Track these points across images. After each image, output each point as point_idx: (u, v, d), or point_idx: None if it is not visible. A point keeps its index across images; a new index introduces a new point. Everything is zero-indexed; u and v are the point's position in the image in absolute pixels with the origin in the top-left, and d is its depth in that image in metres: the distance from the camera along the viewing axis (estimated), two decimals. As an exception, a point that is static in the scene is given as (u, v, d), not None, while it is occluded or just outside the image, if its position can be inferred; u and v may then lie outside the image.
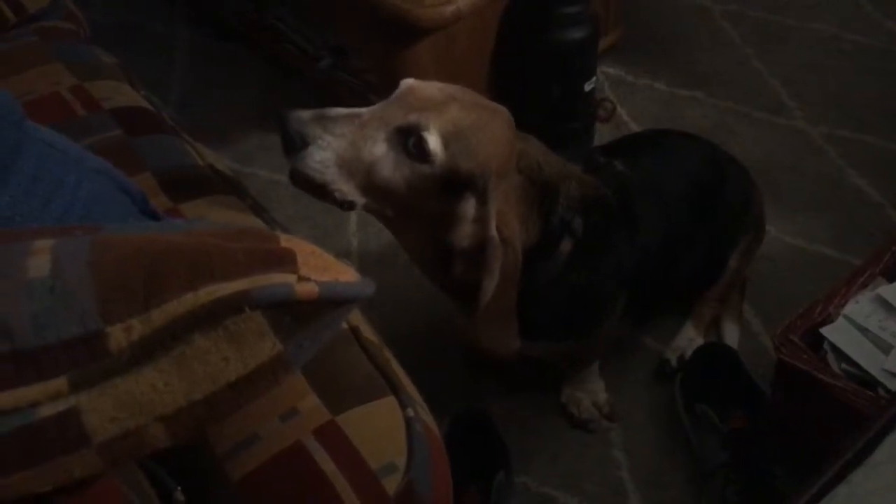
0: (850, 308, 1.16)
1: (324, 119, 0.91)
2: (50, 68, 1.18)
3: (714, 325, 1.43)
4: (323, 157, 0.90)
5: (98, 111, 1.10)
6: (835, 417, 1.05)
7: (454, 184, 0.94)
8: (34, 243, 0.49)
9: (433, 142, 0.92)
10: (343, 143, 0.91)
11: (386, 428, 0.72)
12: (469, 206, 0.96)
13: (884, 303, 1.15)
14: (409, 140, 0.92)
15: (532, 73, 1.67)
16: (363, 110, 0.94)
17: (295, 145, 0.90)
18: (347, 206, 0.96)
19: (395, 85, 1.62)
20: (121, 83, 1.20)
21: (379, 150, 0.92)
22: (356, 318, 0.83)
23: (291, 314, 0.49)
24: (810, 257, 1.52)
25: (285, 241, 0.53)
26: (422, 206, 0.96)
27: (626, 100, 1.88)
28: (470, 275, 0.98)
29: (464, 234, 0.97)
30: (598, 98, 1.82)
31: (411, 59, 1.56)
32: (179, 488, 0.65)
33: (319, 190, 0.93)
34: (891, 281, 1.19)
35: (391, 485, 0.68)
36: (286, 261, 0.51)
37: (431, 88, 0.96)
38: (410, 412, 0.73)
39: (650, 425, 1.33)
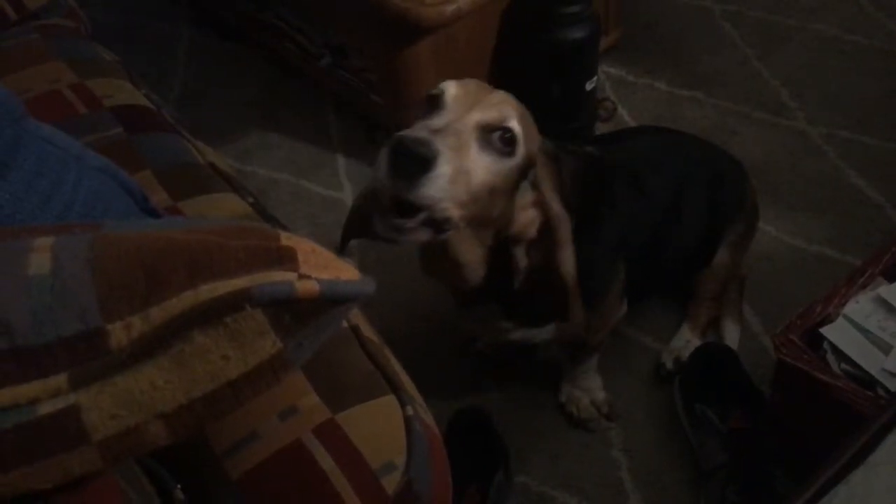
0: (850, 308, 1.16)
1: (436, 133, 0.83)
2: (51, 66, 1.18)
3: (714, 326, 1.43)
4: (446, 172, 0.82)
5: (99, 109, 1.10)
6: (834, 417, 1.05)
7: (522, 173, 0.93)
8: (34, 241, 0.49)
9: (518, 130, 0.90)
10: (453, 154, 0.83)
11: (385, 427, 0.72)
12: (527, 194, 0.95)
13: (884, 303, 1.15)
14: (492, 136, 0.88)
15: (533, 73, 1.67)
16: (443, 120, 0.87)
17: (421, 169, 0.80)
18: (447, 226, 0.86)
19: (396, 84, 1.63)
20: (122, 81, 1.20)
21: (473, 153, 0.87)
22: (356, 316, 0.83)
23: (292, 312, 0.49)
24: (810, 257, 1.52)
25: (286, 238, 0.53)
26: (494, 207, 0.92)
27: (626, 99, 1.88)
28: (536, 263, 0.98)
29: (528, 222, 0.96)
30: (599, 98, 1.82)
31: (412, 58, 1.56)
32: (179, 486, 0.65)
33: (421, 214, 0.83)
34: (891, 281, 1.19)
35: (390, 484, 0.68)
36: (287, 258, 0.50)
37: (472, 84, 0.93)
38: (410, 411, 0.73)
39: (650, 425, 1.33)
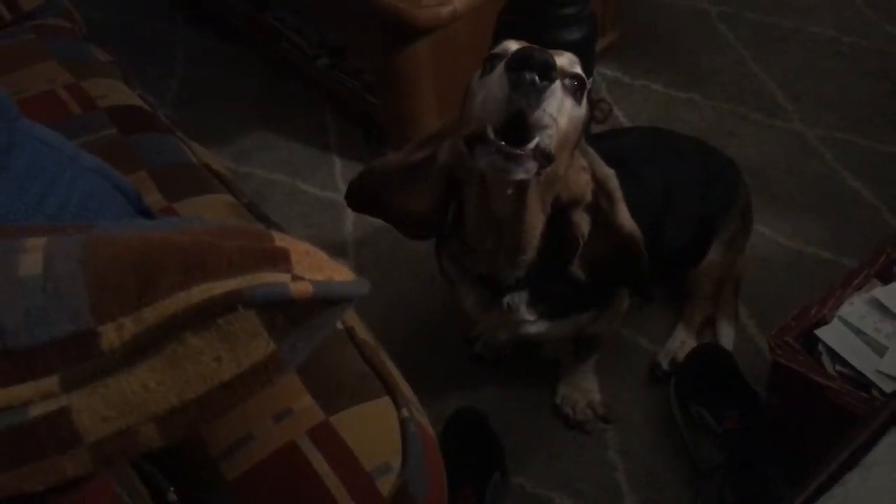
0: (845, 310, 1.16)
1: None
2: (45, 66, 1.17)
3: (710, 327, 1.43)
4: (559, 87, 0.80)
5: (93, 109, 1.10)
6: (830, 419, 1.05)
7: (584, 129, 0.92)
8: (27, 241, 0.49)
9: (586, 79, 0.89)
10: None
11: (380, 428, 0.72)
12: (580, 158, 0.94)
13: (878, 304, 1.15)
14: (565, 81, 0.86)
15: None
16: None
17: (545, 79, 0.77)
18: (549, 160, 0.84)
19: (394, 85, 1.63)
20: (116, 81, 1.19)
21: (560, 90, 0.84)
22: (351, 317, 0.82)
23: (285, 314, 0.49)
24: (805, 259, 1.53)
25: (279, 239, 0.52)
26: (564, 160, 0.89)
27: (622, 101, 1.88)
28: (590, 222, 0.98)
29: (585, 184, 0.95)
30: (595, 99, 1.82)
31: (409, 59, 1.56)
32: (172, 488, 0.65)
33: (535, 139, 0.81)
34: (885, 283, 1.19)
35: (385, 485, 0.68)
36: (280, 260, 0.50)
37: (528, 43, 0.91)
38: (405, 412, 0.73)
39: (646, 426, 1.33)
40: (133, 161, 1.01)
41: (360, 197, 1.07)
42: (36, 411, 0.46)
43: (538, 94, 0.79)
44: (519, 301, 1.08)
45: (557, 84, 0.80)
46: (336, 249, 1.61)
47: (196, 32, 2.17)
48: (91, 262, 0.47)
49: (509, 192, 0.90)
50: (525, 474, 1.28)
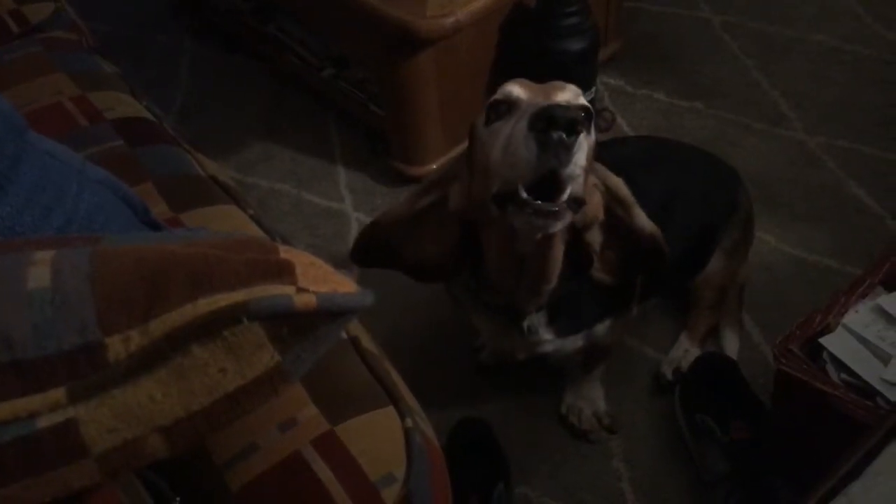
0: (850, 318, 1.16)
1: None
2: (52, 78, 1.18)
3: (713, 336, 1.43)
4: (584, 136, 0.80)
5: (100, 121, 1.11)
6: (835, 427, 1.05)
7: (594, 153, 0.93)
8: (34, 254, 0.50)
9: (590, 107, 0.90)
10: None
11: (385, 438, 0.72)
12: (589, 178, 0.95)
13: (883, 313, 1.15)
14: None
15: (532, 84, 1.68)
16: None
17: (571, 135, 0.78)
18: (580, 203, 0.86)
19: (397, 95, 1.64)
20: (123, 94, 1.20)
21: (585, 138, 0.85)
22: (355, 327, 0.83)
23: (289, 325, 0.49)
24: (809, 267, 1.53)
25: (284, 252, 0.53)
26: (584, 188, 0.90)
27: (625, 110, 1.88)
28: (606, 237, 0.99)
29: (597, 203, 0.96)
30: (598, 108, 1.82)
31: (412, 70, 1.57)
32: (178, 499, 0.66)
33: (568, 190, 0.82)
34: (890, 291, 1.19)
35: (390, 496, 0.68)
36: (285, 272, 0.51)
37: (526, 80, 0.93)
38: (409, 422, 0.73)
39: (651, 436, 1.33)
40: (140, 172, 1.02)
41: (369, 252, 1.06)
42: (43, 423, 0.46)
43: (568, 151, 0.79)
44: (538, 322, 1.09)
45: (583, 135, 0.80)
46: (341, 259, 1.61)
47: (201, 44, 2.19)
48: (99, 274, 0.48)
49: (538, 236, 0.90)
50: (529, 484, 1.28)
